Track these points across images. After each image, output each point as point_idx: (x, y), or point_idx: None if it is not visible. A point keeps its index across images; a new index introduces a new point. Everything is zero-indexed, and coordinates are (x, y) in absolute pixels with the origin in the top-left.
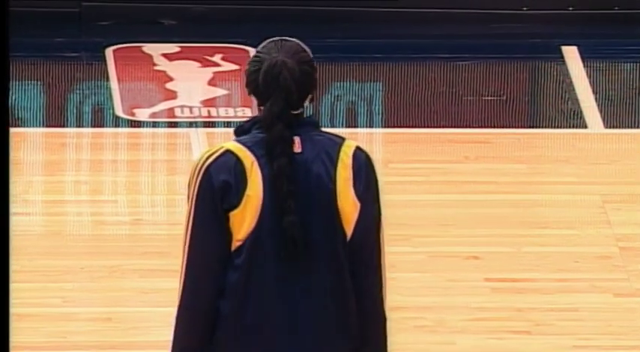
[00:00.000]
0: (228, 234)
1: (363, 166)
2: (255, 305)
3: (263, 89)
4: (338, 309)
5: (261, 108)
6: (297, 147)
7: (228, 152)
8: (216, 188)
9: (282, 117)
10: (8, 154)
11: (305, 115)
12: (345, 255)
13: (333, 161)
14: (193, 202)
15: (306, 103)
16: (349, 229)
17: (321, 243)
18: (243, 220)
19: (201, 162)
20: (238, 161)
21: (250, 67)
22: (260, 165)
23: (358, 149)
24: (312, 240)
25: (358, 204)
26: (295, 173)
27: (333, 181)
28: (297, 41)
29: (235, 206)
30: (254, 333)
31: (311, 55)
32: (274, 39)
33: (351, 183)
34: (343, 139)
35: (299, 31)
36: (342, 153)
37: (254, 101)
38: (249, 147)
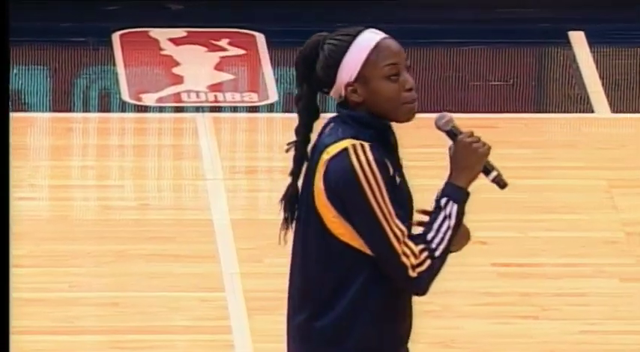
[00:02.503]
0: None
1: (333, 181)
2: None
3: None
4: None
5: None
6: (327, 131)
7: None
8: None
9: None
10: (9, 142)
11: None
12: (320, 251)
13: (316, 164)
14: None
15: (333, 93)
16: (346, 238)
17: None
18: None
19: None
20: None
21: None
22: None
23: (334, 158)
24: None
25: (341, 218)
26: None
27: (313, 183)
28: (357, 32)
29: None
30: None
31: (345, 51)
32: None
33: (324, 195)
34: (335, 141)
35: (305, 15)
36: (320, 160)
37: (260, 86)
38: None
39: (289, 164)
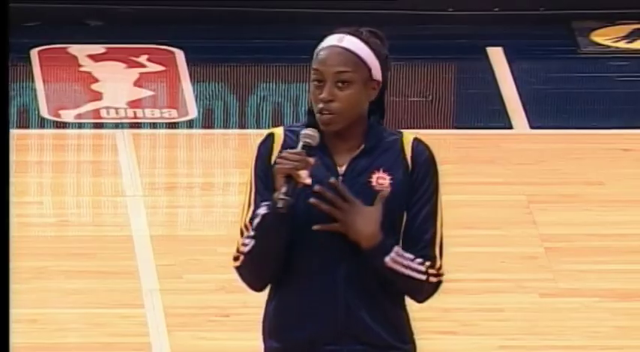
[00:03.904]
0: None
1: None
2: None
3: None
4: None
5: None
6: None
7: None
8: None
9: None
10: (8, 155)
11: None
12: None
13: None
14: None
15: None
16: None
17: None
18: None
19: None
20: None
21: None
22: None
23: None
24: None
25: None
26: None
27: None
28: (336, 33)
29: None
30: None
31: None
32: None
33: None
34: None
35: (224, 32)
36: None
37: (180, 102)
38: None
39: (209, 180)
